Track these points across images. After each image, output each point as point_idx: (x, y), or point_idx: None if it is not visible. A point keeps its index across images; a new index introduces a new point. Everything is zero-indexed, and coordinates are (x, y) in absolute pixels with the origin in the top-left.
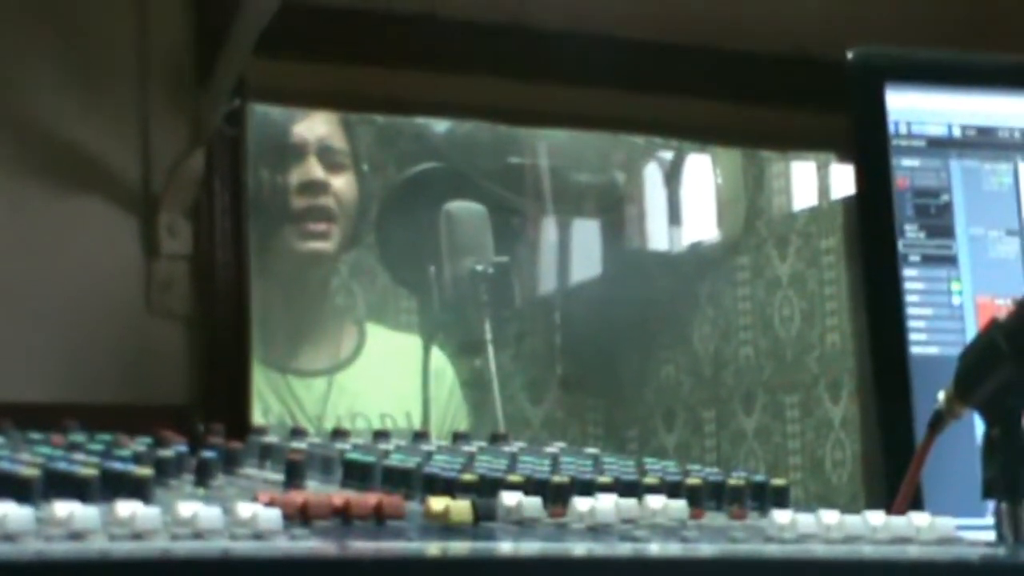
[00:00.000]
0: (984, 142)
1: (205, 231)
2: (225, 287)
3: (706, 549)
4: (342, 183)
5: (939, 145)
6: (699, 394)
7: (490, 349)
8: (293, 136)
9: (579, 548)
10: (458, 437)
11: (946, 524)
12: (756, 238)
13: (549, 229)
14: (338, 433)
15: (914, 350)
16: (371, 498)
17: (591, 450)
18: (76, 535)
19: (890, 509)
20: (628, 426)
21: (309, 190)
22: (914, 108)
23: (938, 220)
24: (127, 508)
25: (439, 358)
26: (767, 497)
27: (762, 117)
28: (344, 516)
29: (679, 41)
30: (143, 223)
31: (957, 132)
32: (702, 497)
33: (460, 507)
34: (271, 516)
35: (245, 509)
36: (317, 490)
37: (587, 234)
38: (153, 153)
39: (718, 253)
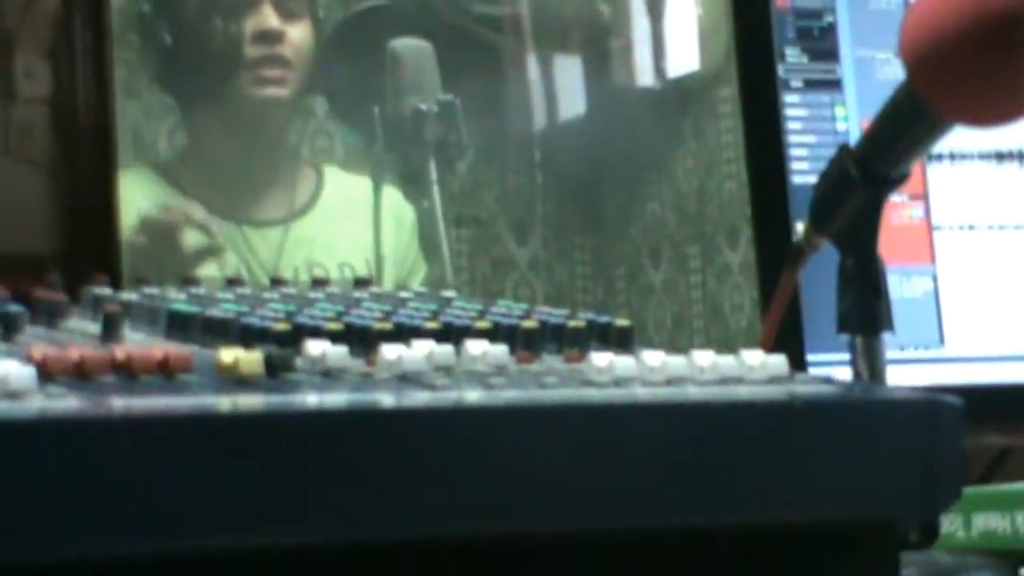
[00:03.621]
0: None
1: (65, 73)
2: (88, 132)
3: (505, 395)
4: (298, 32)
5: None
6: (684, 230)
7: (435, 190)
8: None
9: (343, 398)
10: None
11: (779, 362)
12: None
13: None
14: (276, 282)
15: (796, 179)
16: (157, 351)
17: (449, 293)
18: None
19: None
20: (616, 265)
21: (264, 39)
22: None
23: (821, 42)
24: None
25: (397, 201)
26: (611, 338)
27: None
28: (127, 372)
29: None
30: None
31: None
32: (538, 340)
33: (250, 359)
34: (24, 374)
35: None
36: (141, 342)
37: (570, 69)
38: None
39: (700, 85)
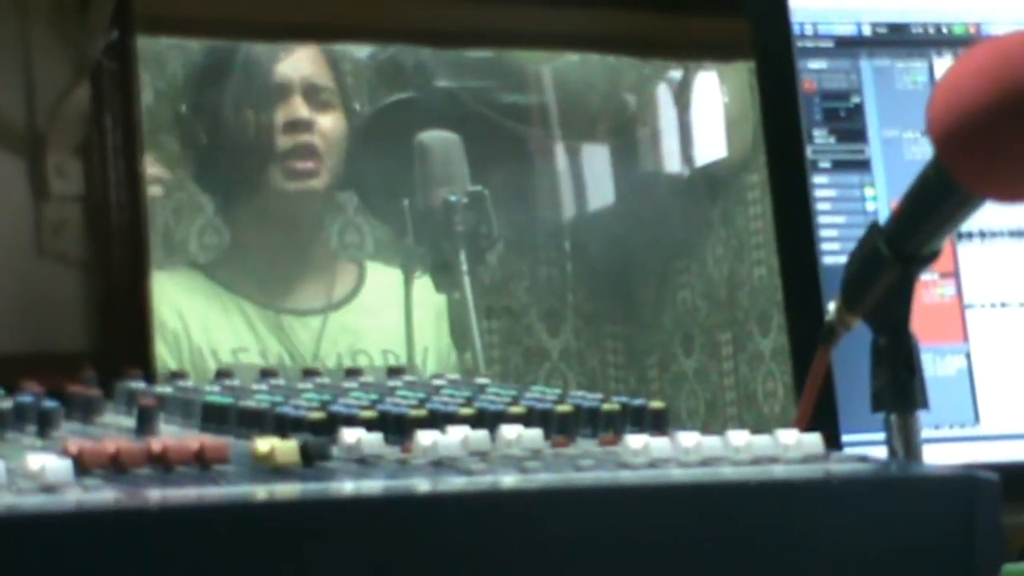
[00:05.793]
0: (896, 39)
1: (97, 171)
2: (120, 229)
3: (541, 479)
4: (328, 122)
5: (848, 45)
6: (715, 317)
7: (466, 281)
8: (277, 75)
9: (379, 485)
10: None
11: (814, 441)
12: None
13: (559, 155)
14: (309, 372)
15: (826, 260)
16: (192, 443)
17: (482, 380)
18: None
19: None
20: (648, 353)
21: (294, 128)
22: (819, 8)
23: (849, 123)
24: None
25: (432, 292)
26: (645, 421)
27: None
28: (163, 463)
29: None
30: (30, 163)
31: (867, 30)
32: (572, 424)
33: (286, 448)
34: (60, 467)
35: (35, 461)
36: (176, 435)
37: (598, 158)
38: (37, 91)
39: (728, 172)
